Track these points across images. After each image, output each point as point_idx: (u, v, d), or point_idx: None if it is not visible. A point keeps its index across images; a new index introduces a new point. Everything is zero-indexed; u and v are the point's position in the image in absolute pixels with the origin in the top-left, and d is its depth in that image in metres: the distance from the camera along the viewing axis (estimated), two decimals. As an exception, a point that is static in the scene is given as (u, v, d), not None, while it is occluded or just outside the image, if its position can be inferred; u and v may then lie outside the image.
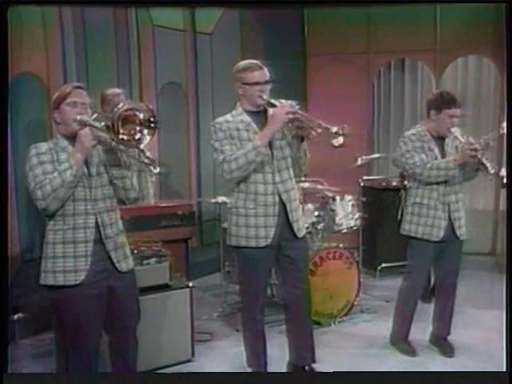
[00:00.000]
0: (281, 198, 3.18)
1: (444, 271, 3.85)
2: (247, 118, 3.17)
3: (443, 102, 3.64)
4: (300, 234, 3.28)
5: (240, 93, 3.18)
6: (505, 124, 3.57)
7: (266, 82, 3.14)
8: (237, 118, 3.18)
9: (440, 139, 3.72)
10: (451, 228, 3.71)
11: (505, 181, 3.42)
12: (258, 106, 3.18)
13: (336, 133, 2.94)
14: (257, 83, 3.11)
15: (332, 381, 2.93)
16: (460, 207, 3.75)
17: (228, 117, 3.19)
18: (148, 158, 2.61)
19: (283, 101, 3.10)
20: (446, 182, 3.66)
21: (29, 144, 2.72)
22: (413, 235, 3.73)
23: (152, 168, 2.65)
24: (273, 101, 3.11)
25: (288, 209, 3.20)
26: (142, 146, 2.58)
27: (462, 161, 3.57)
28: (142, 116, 2.58)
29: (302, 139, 3.17)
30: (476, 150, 3.50)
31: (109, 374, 2.93)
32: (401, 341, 3.92)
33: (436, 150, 3.69)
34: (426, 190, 3.69)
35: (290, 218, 3.21)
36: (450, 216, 3.69)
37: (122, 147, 2.65)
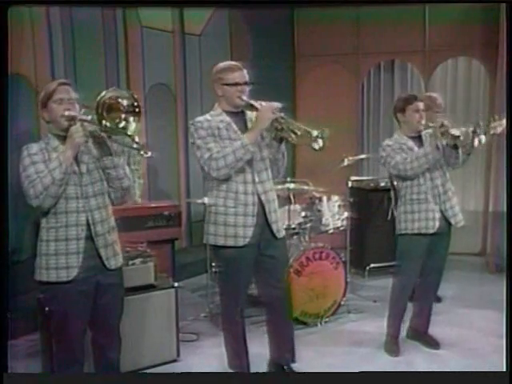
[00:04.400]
0: (260, 199, 3.17)
1: (429, 268, 3.86)
2: (227, 118, 3.16)
3: (403, 101, 3.79)
4: (279, 235, 3.27)
5: (219, 94, 3.17)
6: (492, 125, 3.63)
7: (246, 83, 3.13)
8: (216, 117, 3.16)
9: (417, 138, 3.80)
10: (444, 218, 3.75)
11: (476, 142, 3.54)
12: (236, 107, 3.17)
13: (317, 136, 2.94)
14: (236, 84, 3.10)
15: (318, 381, 2.93)
16: (450, 196, 3.78)
17: (207, 116, 3.17)
18: (137, 143, 2.61)
19: (264, 103, 3.07)
20: (431, 175, 3.71)
21: (18, 145, 2.73)
22: (409, 232, 3.76)
23: (143, 153, 2.63)
24: (253, 102, 3.10)
25: (267, 210, 3.19)
26: (129, 133, 2.60)
27: (435, 140, 3.62)
28: (125, 103, 2.60)
29: (281, 141, 3.15)
30: (443, 125, 3.58)
31: (105, 374, 2.94)
32: (392, 341, 3.93)
33: (415, 148, 3.75)
34: (415, 187, 3.73)
35: (269, 218, 3.20)
36: (441, 207, 3.73)
37: (112, 136, 2.68)
